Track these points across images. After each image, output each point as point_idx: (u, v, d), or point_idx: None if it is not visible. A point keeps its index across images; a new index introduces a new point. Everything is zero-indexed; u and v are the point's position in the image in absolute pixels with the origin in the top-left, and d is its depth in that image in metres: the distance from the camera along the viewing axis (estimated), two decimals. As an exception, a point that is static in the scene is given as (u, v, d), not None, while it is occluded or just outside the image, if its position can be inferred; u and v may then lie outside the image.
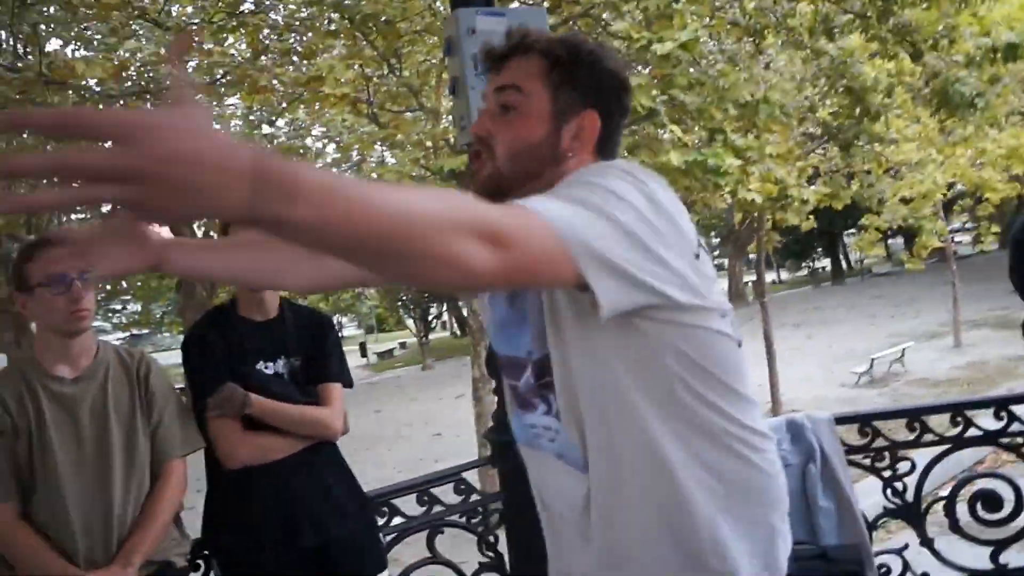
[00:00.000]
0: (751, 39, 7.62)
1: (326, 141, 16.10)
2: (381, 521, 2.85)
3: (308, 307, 2.85)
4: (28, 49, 7.71)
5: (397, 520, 2.88)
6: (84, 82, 6.15)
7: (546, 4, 7.42)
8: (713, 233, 31.11)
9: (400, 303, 35.04)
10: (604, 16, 8.44)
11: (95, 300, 2.29)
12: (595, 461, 1.34)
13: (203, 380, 2.45)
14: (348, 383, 2.67)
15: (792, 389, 15.23)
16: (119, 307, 24.38)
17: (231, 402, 2.40)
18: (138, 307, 23.66)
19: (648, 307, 1.23)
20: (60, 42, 9.00)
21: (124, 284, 19.89)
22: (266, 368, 2.53)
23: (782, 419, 2.87)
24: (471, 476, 3.17)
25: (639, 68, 7.54)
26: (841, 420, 2.91)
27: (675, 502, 1.32)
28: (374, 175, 15.43)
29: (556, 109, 1.35)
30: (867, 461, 2.98)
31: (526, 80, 1.36)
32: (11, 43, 8.07)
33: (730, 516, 1.33)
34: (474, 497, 2.95)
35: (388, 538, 2.83)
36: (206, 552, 2.57)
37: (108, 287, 20.30)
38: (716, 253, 42.73)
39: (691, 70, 6.94)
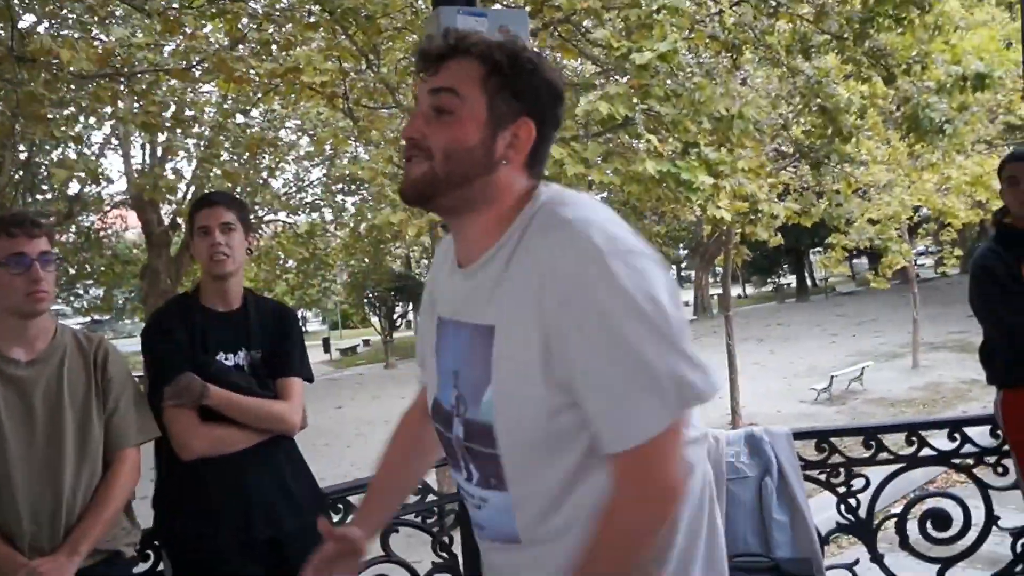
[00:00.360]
0: (729, 54, 7.68)
1: (300, 134, 16.00)
2: (336, 518, 2.83)
3: (272, 300, 2.83)
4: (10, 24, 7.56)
5: (352, 517, 2.86)
6: (55, 60, 6.03)
7: (528, 8, 7.43)
8: (681, 245, 31.35)
9: (366, 300, 34.87)
10: (585, 23, 8.47)
11: (55, 282, 2.25)
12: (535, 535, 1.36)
13: (162, 368, 2.42)
14: (309, 378, 2.65)
15: (753, 403, 15.38)
16: (81, 291, 23.98)
17: (189, 392, 2.37)
18: (100, 292, 23.27)
19: None
20: (33, 18, 8.86)
21: (88, 268, 19.59)
22: (226, 359, 2.50)
23: (741, 432, 2.90)
24: (428, 476, 3.16)
25: (617, 77, 7.57)
26: (799, 435, 2.94)
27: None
28: (347, 171, 15.37)
29: (492, 115, 1.33)
30: (823, 476, 3.02)
31: (463, 84, 1.32)
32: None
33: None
34: (430, 497, 2.94)
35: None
36: (156, 543, 2.53)
37: (72, 271, 20.01)
38: (683, 264, 43.02)
39: (668, 82, 6.98)
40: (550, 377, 1.26)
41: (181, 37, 7.22)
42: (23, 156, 13.53)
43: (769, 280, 44.93)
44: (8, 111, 7.69)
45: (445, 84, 1.33)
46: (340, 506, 2.86)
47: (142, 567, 2.53)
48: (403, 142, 1.37)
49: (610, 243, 1.24)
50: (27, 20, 9.27)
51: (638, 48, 6.41)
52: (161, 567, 2.53)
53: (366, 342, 41.12)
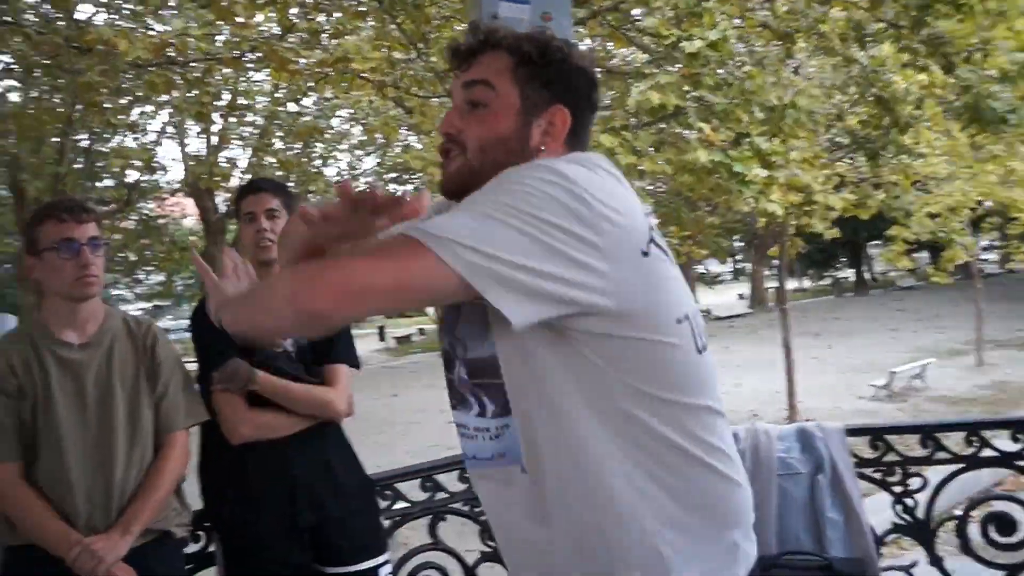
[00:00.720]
0: (781, 43, 7.52)
1: (352, 123, 16.11)
2: (384, 505, 2.83)
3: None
4: (60, 14, 7.74)
5: (401, 504, 2.86)
6: (112, 50, 6.13)
7: (576, -4, 7.37)
8: (736, 236, 30.96)
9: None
10: (634, 12, 8.37)
11: (103, 267, 2.28)
12: (531, 468, 1.31)
13: (210, 354, 2.44)
14: (355, 365, 2.65)
15: (810, 398, 15.12)
16: (143, 277, 24.53)
17: (236, 377, 2.38)
18: (161, 278, 23.79)
19: (569, 316, 1.22)
20: (92, 8, 9.04)
21: (148, 254, 20.01)
22: (274, 346, 2.51)
23: (792, 427, 2.83)
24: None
25: (668, 66, 7.46)
26: (853, 432, 2.86)
27: (612, 514, 1.28)
28: (399, 160, 15.43)
29: (525, 105, 1.36)
30: (878, 475, 2.93)
31: (494, 75, 1.36)
32: (40, 6, 8.10)
33: (679, 531, 1.29)
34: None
35: (389, 522, 2.81)
36: (207, 524, 2.56)
37: (132, 258, 20.44)
38: (739, 257, 42.47)
39: (719, 71, 6.86)
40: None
41: (232, 26, 7.28)
42: (84, 144, 13.84)
43: (826, 274, 44.20)
44: (67, 100, 7.86)
45: (477, 77, 1.36)
46: (388, 492, 2.86)
47: (193, 547, 2.56)
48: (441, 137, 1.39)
49: (560, 162, 1.25)
50: (84, 11, 9.48)
51: (688, 36, 6.30)
52: (212, 548, 2.56)
53: (421, 331, 41.38)
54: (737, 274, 44.93)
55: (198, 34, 7.57)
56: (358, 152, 18.14)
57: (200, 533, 2.57)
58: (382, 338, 41.76)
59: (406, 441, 15.58)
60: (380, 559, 2.56)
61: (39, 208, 2.32)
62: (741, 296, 34.47)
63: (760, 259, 33.63)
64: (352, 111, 14.68)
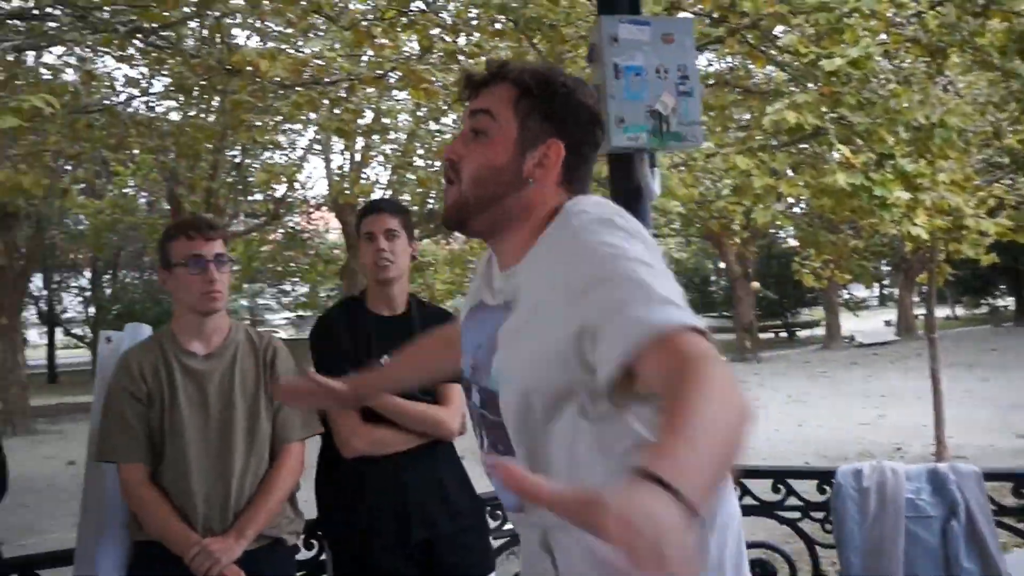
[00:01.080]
0: (931, 58, 7.14)
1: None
2: (494, 524, 2.84)
3: (436, 306, 2.88)
4: (216, 38, 8.20)
5: (511, 525, 2.86)
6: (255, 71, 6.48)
7: (714, 15, 7.23)
8: (884, 261, 29.61)
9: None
10: (777, 29, 8.14)
11: (229, 283, 2.39)
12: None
13: (327, 368, 2.50)
14: (469, 384, 2.66)
15: (961, 434, 14.18)
16: (289, 288, 25.63)
17: None
18: (306, 289, 24.80)
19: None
20: (244, 33, 9.54)
21: (293, 266, 20.89)
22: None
23: (923, 467, 2.67)
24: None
25: (809, 85, 7.22)
26: (992, 476, 2.67)
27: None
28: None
29: (522, 136, 1.40)
30: (1022, 526, 2.71)
31: (496, 105, 1.41)
32: (200, 31, 8.61)
33: None
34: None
35: (499, 542, 2.81)
36: (320, 533, 2.63)
37: (279, 269, 21.40)
38: (886, 282, 40.62)
39: (862, 90, 6.58)
40: (562, 348, 1.25)
41: (372, 48, 7.54)
42: (236, 160, 14.61)
43: (982, 301, 41.64)
44: (220, 118, 8.31)
45: (481, 106, 1.42)
46: (499, 512, 2.87)
47: (306, 555, 2.65)
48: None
49: (580, 216, 1.32)
50: (240, 35, 10.03)
51: (828, 54, 6.07)
52: (324, 557, 2.62)
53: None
54: (884, 300, 42.93)
55: (334, 55, 7.88)
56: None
57: (313, 541, 2.65)
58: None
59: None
60: (488, 577, 2.57)
61: (170, 226, 2.46)
62: (888, 323, 32.86)
63: (908, 285, 32.03)
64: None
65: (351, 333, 2.56)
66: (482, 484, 2.70)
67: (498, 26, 8.43)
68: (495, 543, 2.76)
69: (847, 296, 30.66)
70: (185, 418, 2.29)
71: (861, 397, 15.10)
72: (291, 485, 2.41)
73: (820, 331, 28.95)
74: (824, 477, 2.73)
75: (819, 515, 2.75)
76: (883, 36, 7.02)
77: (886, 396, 15.00)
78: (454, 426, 2.56)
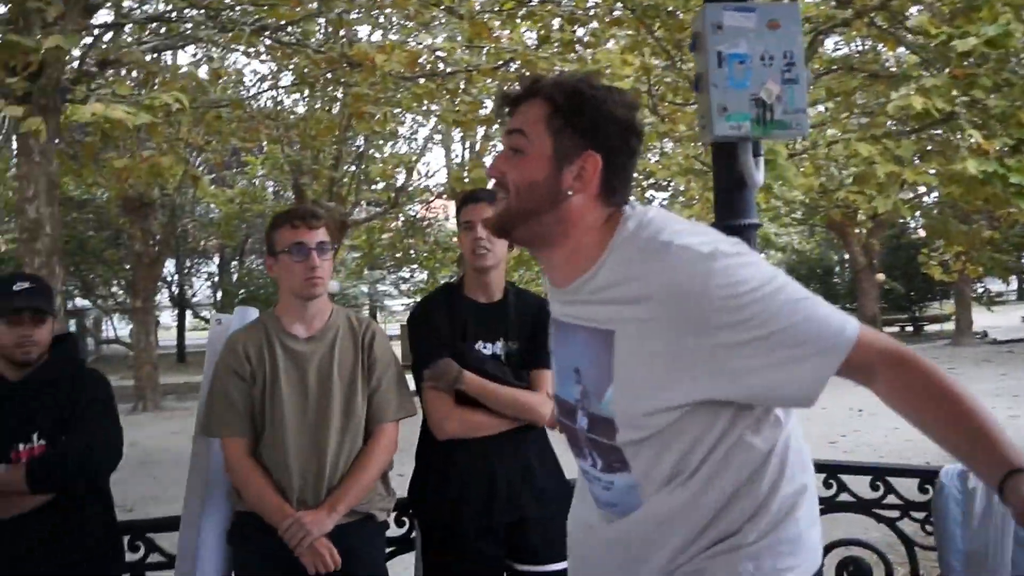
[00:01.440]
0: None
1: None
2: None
3: (533, 294, 2.90)
4: (341, 33, 8.47)
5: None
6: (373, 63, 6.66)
7: (840, -3, 6.98)
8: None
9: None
10: (910, 10, 7.80)
11: (330, 270, 2.49)
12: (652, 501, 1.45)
13: (423, 352, 2.58)
14: (563, 371, 2.68)
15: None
16: (407, 275, 26.16)
17: (446, 376, 2.51)
18: (424, 275, 25.28)
19: None
20: (367, 27, 9.80)
21: (412, 253, 21.34)
22: (484, 348, 2.62)
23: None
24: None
25: (940, 67, 6.89)
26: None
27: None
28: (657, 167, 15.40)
29: (557, 152, 1.44)
30: None
31: (529, 124, 1.46)
32: (324, 27, 8.90)
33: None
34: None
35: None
36: (411, 511, 2.71)
37: (398, 255, 21.89)
38: (1026, 275, 38.25)
39: (1000, 71, 6.22)
40: (694, 378, 1.36)
41: (489, 40, 7.62)
42: (359, 151, 15.04)
43: None
44: (343, 111, 8.58)
45: (515, 126, 1.47)
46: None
47: (397, 531, 2.74)
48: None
49: (708, 247, 1.35)
50: (364, 30, 10.30)
51: (961, 33, 5.77)
52: (414, 535, 2.71)
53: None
54: (1022, 295, 40.49)
55: (453, 47, 8.00)
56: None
57: (405, 519, 2.74)
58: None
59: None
60: (572, 563, 2.59)
61: (276, 215, 2.57)
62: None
63: (1051, 279, 30.09)
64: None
65: (448, 318, 2.62)
66: (572, 470, 2.73)
67: (616, 14, 8.38)
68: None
69: (981, 290, 29.00)
70: (285, 397, 2.40)
71: (991, 396, 14.26)
72: (384, 463, 2.50)
73: (950, 326, 27.50)
74: (926, 476, 2.63)
75: (919, 515, 2.65)
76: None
77: (1020, 395, 14.15)
78: (545, 411, 2.57)
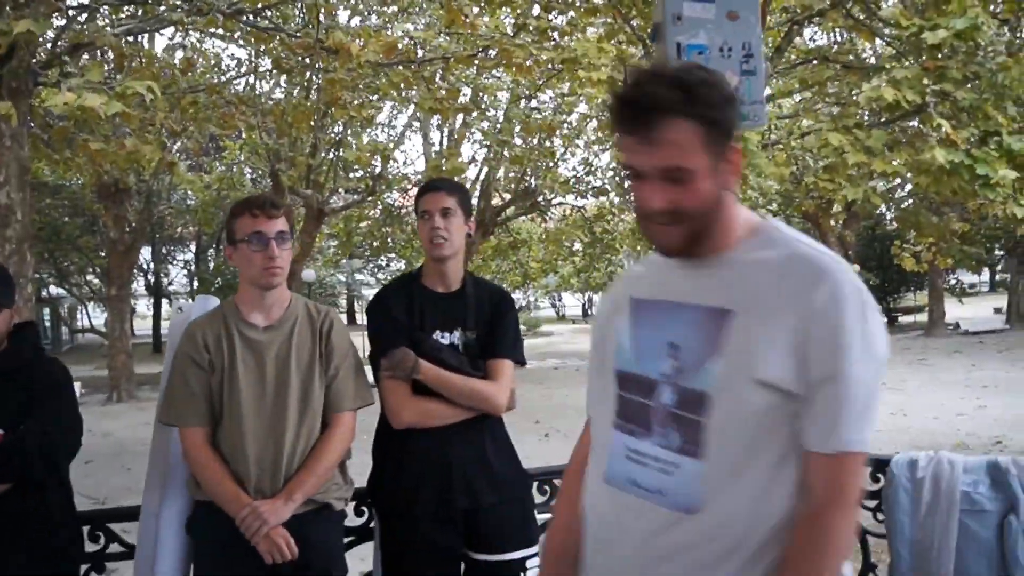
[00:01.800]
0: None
1: (589, 119, 16.27)
2: (541, 499, 2.89)
3: (491, 283, 2.92)
4: (320, 18, 8.42)
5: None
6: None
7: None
8: (997, 245, 28.14)
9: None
10: (880, 2, 7.85)
11: (289, 259, 2.49)
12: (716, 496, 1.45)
13: (379, 341, 2.60)
14: (520, 361, 2.71)
15: (1071, 428, 13.53)
16: (384, 263, 26.12)
17: (402, 365, 2.52)
18: (401, 265, 25.25)
19: None
20: (345, 12, 9.74)
21: (390, 242, 21.29)
22: (441, 338, 2.63)
23: (983, 459, 2.59)
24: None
25: (911, 60, 6.94)
26: (1057, 472, 2.56)
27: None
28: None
29: (713, 162, 1.44)
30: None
31: (689, 158, 1.42)
32: (302, 12, 8.85)
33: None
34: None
35: (546, 516, 2.85)
36: (370, 500, 2.73)
37: (376, 244, 21.84)
38: (999, 267, 38.64)
39: (970, 63, 6.27)
40: (789, 371, 1.41)
41: (463, 27, 7.60)
42: (337, 139, 14.97)
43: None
44: (318, 96, 8.54)
45: (671, 164, 1.43)
46: (546, 488, 2.92)
47: (357, 521, 2.75)
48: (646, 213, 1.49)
49: (861, 294, 1.43)
50: (343, 15, 10.23)
51: (932, 26, 5.82)
52: (372, 524, 2.72)
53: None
54: (995, 286, 40.85)
55: (432, 35, 7.97)
56: (595, 148, 18.31)
57: (363, 509, 2.75)
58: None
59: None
60: (529, 551, 2.62)
61: (236, 203, 2.57)
62: (998, 310, 31.25)
63: (1021, 270, 30.41)
64: (589, 108, 14.82)
65: (406, 308, 2.63)
66: (531, 459, 2.76)
67: (593, 2, 8.38)
68: (542, 517, 2.79)
69: (954, 281, 29.27)
70: (242, 385, 2.41)
71: (962, 387, 14.46)
72: (341, 452, 2.51)
73: (923, 317, 27.75)
74: (878, 465, 2.68)
75: (871, 504, 2.69)
76: (995, 7, 6.68)
77: (988, 387, 14.33)
78: (501, 401, 2.60)
